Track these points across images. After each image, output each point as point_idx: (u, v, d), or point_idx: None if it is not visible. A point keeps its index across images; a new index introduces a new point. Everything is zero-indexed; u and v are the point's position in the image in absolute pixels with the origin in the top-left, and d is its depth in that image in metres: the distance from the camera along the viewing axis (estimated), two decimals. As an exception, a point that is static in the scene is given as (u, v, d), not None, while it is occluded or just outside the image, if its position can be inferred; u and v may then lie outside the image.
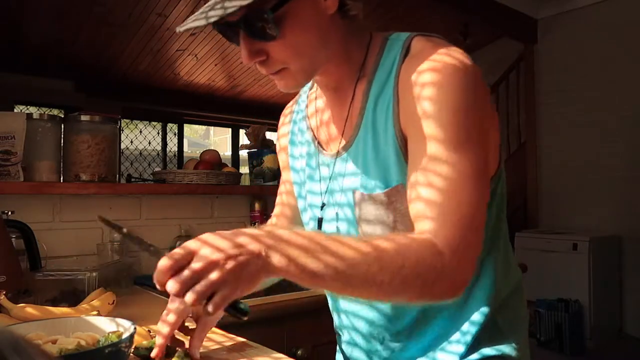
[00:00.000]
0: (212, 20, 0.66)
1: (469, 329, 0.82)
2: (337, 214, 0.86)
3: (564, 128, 4.62)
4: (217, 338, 1.04)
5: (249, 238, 0.61)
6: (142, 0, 3.73)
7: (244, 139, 4.09)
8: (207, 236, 0.62)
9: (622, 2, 4.23)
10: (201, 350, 0.96)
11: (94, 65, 4.85)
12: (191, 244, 0.61)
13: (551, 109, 4.73)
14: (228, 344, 1.00)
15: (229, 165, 2.28)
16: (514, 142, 5.11)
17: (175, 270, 0.59)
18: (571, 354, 3.79)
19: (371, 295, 0.66)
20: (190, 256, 0.59)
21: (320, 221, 0.88)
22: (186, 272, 0.58)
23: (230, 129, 7.40)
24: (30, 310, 1.08)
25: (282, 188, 1.06)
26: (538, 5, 4.71)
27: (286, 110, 1.03)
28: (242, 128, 6.56)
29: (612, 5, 4.29)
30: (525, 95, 4.96)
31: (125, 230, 0.74)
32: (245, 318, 0.65)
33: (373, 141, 0.78)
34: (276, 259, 0.60)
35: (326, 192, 0.87)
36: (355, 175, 0.81)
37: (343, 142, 0.83)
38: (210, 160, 2.16)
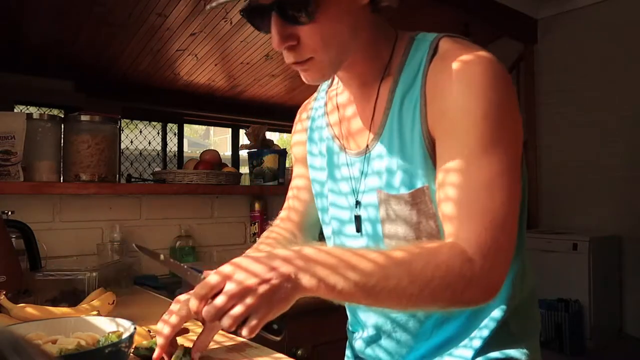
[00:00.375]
0: None
1: (481, 332, 0.81)
2: (363, 215, 0.85)
3: (564, 128, 4.62)
4: (217, 338, 1.03)
5: (280, 261, 0.62)
6: (142, 0, 3.72)
7: (244, 139, 4.09)
8: (240, 260, 0.64)
9: (622, 2, 4.23)
10: (201, 350, 0.96)
11: (94, 65, 4.85)
12: (225, 269, 0.63)
13: (551, 109, 4.73)
14: (228, 344, 1.00)
15: (229, 165, 2.29)
16: (514, 142, 5.10)
17: (211, 296, 0.61)
18: (571, 354, 3.79)
19: (400, 306, 0.67)
20: (225, 282, 0.61)
21: (358, 219, 0.86)
22: (221, 298, 0.60)
23: (230, 129, 7.39)
24: (30, 310, 1.08)
25: (290, 193, 1.05)
26: (538, 5, 4.71)
27: (302, 108, 1.01)
28: (242, 128, 6.55)
29: (612, 5, 4.29)
30: (525, 95, 4.96)
31: (162, 257, 0.76)
32: (279, 338, 0.67)
33: (399, 141, 0.77)
34: (306, 280, 0.61)
35: (357, 191, 0.86)
36: (380, 175, 0.80)
37: (367, 141, 0.82)
38: (210, 160, 2.16)
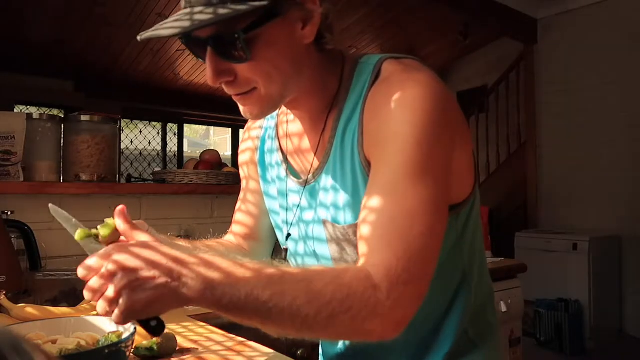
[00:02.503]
0: (177, 32, 0.62)
1: (441, 347, 0.81)
2: (308, 245, 0.83)
3: (564, 128, 4.62)
4: (217, 338, 1.04)
5: (169, 258, 0.58)
6: (142, 0, 3.73)
7: (244, 139, 4.08)
8: (129, 245, 0.59)
9: (622, 2, 4.23)
10: (199, 349, 0.96)
11: (94, 65, 4.85)
12: (108, 249, 0.59)
13: (551, 109, 4.73)
14: (228, 344, 1.00)
15: (229, 165, 2.28)
16: (514, 142, 5.11)
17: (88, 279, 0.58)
18: (571, 354, 3.79)
19: (294, 329, 0.60)
20: (103, 263, 0.57)
21: (285, 252, 0.85)
22: (95, 278, 0.57)
23: (230, 129, 7.40)
24: (30, 310, 1.08)
25: (242, 206, 1.00)
26: (538, 5, 4.71)
27: (252, 124, 0.97)
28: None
29: (612, 5, 4.29)
30: (525, 95, 4.96)
31: (74, 221, 0.70)
32: (156, 337, 0.63)
33: (341, 171, 0.75)
34: (190, 286, 0.56)
35: (296, 222, 0.84)
36: (326, 206, 0.78)
37: (313, 171, 0.80)
38: (210, 160, 2.16)
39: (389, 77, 0.72)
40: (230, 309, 0.58)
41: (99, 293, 0.57)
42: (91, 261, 0.58)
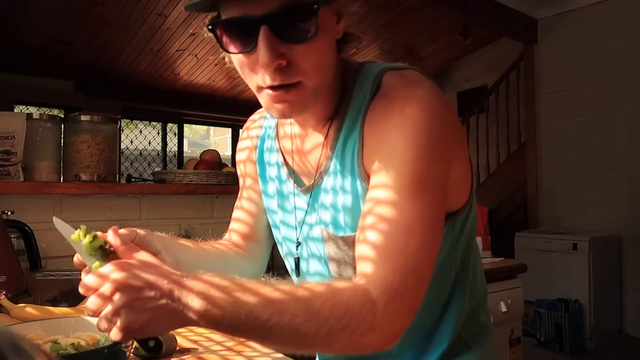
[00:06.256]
0: None
1: (435, 349, 0.81)
2: (310, 252, 0.84)
3: (564, 128, 4.62)
4: (217, 338, 1.04)
5: (167, 279, 0.58)
6: (142, 0, 3.73)
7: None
8: (130, 263, 0.60)
9: (622, 2, 4.23)
10: (199, 349, 0.96)
11: (94, 65, 4.85)
12: (107, 268, 0.59)
13: (551, 109, 4.73)
14: (228, 344, 1.00)
15: (229, 165, 2.28)
16: (514, 142, 5.11)
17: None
18: (571, 354, 3.79)
19: (294, 345, 0.62)
20: (103, 282, 0.58)
21: (297, 260, 0.86)
22: (93, 297, 0.58)
23: (230, 129, 7.41)
24: (30, 310, 1.08)
25: (239, 203, 0.99)
26: (538, 5, 4.71)
27: (252, 124, 0.97)
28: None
29: (612, 5, 4.29)
30: (525, 95, 4.96)
31: (76, 234, 0.69)
32: (155, 357, 0.62)
33: (341, 182, 0.76)
34: (190, 307, 0.57)
35: (301, 227, 0.84)
36: (326, 214, 0.79)
37: (314, 179, 0.81)
38: (210, 160, 2.16)
39: (389, 91, 0.72)
40: (230, 329, 0.59)
41: (98, 311, 0.57)
42: (89, 279, 0.59)
